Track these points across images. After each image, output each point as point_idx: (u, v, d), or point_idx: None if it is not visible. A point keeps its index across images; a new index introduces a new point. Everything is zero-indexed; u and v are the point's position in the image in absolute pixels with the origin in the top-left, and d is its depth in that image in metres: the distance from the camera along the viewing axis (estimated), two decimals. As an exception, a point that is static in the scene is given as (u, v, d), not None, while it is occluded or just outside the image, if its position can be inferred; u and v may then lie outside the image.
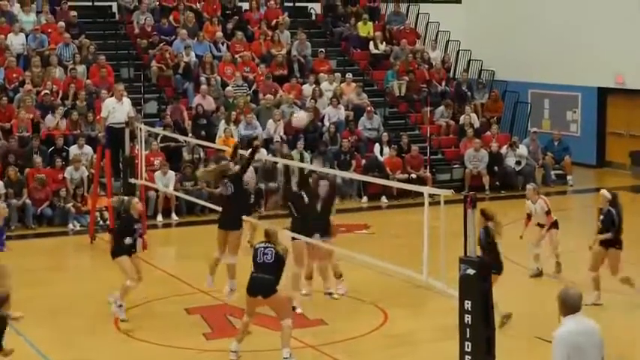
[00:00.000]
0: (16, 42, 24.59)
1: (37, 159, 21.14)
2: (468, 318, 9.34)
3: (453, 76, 29.02)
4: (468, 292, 9.37)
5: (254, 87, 25.68)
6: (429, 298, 14.00)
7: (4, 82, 23.42)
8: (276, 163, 22.25)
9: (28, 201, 20.48)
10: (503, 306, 12.39)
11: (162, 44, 25.66)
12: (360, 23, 28.86)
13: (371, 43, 28.41)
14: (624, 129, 27.81)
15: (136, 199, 13.91)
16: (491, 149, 24.85)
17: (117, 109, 19.22)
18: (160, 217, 21.29)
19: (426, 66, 28.12)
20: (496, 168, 24.66)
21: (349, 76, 26.63)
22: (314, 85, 25.71)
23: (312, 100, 24.95)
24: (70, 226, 20.56)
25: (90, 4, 27.78)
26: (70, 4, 26.53)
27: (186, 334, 13.04)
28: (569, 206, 20.75)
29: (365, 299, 14.35)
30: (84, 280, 16.23)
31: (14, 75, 23.65)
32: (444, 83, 27.87)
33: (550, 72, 28.84)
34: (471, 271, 9.33)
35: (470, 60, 29.41)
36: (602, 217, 14.34)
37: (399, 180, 22.17)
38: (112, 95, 20.57)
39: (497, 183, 24.68)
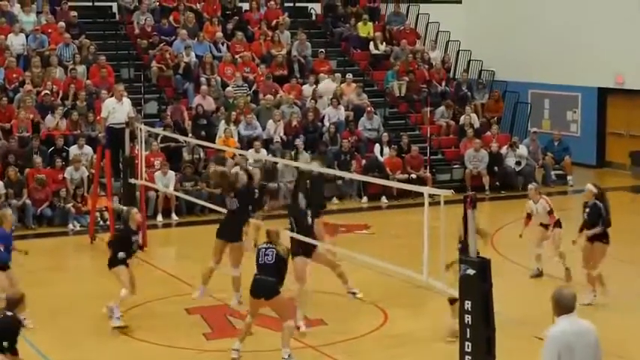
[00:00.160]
0: (17, 42, 24.59)
1: (37, 159, 21.14)
2: (468, 318, 9.34)
3: (453, 76, 29.02)
4: (468, 292, 9.37)
5: (254, 87, 25.68)
6: (429, 299, 13.98)
7: (4, 83, 23.42)
8: (276, 163, 22.26)
9: (28, 201, 20.48)
10: (504, 306, 12.38)
11: (162, 44, 25.66)
12: (360, 23, 28.86)
13: (371, 43, 28.41)
14: (624, 129, 27.81)
15: (135, 210, 13.72)
16: (491, 149, 24.85)
17: (117, 109, 19.24)
18: (159, 217, 21.29)
19: (426, 66, 28.13)
20: (496, 168, 24.66)
21: (349, 76, 26.63)
22: (314, 86, 25.74)
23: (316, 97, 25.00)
24: (70, 226, 20.56)
25: (90, 4, 27.78)
26: (70, 4, 26.53)
27: (186, 334, 13.05)
28: (570, 206, 20.69)
29: (365, 299, 14.34)
30: (84, 281, 16.22)
31: (14, 75, 23.65)
32: (444, 83, 27.87)
33: (550, 72, 28.84)
34: (471, 272, 9.32)
35: (470, 60, 29.42)
36: (587, 210, 14.31)
37: (399, 180, 22.17)
38: (112, 95, 20.57)
39: (498, 183, 24.68)
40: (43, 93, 23.04)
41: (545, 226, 15.77)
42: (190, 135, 22.72)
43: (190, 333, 13.07)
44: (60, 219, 20.74)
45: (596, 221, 14.20)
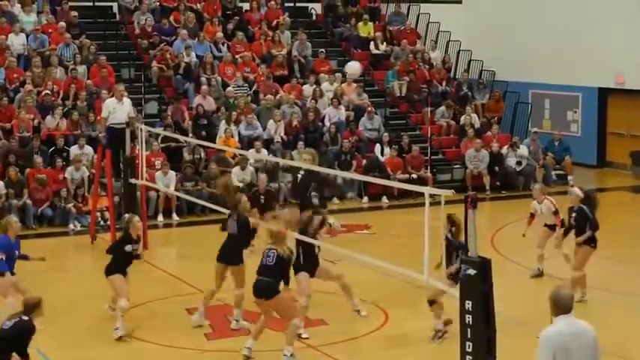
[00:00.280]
0: (17, 42, 24.61)
1: (38, 159, 21.14)
2: (468, 318, 9.33)
3: (453, 76, 29.03)
4: (469, 292, 9.36)
5: (254, 87, 25.69)
6: (429, 299, 13.97)
7: (4, 83, 23.43)
8: (277, 163, 22.26)
9: (28, 201, 20.48)
10: (504, 306, 12.38)
11: (162, 44, 25.66)
12: (360, 23, 28.86)
13: (371, 43, 28.41)
14: (625, 129, 27.81)
15: (136, 218, 13.59)
16: (491, 149, 24.85)
17: (117, 109, 19.25)
18: (160, 217, 21.30)
19: (427, 66, 28.13)
20: (497, 168, 24.67)
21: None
22: (314, 86, 25.74)
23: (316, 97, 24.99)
24: (71, 226, 20.56)
25: (90, 4, 27.80)
26: (70, 4, 26.55)
27: (187, 334, 13.05)
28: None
29: (365, 299, 14.33)
30: (85, 281, 16.21)
31: (15, 75, 23.66)
32: (444, 83, 27.87)
33: (550, 72, 28.84)
34: (471, 272, 9.32)
35: (470, 60, 29.42)
36: (574, 214, 14.21)
37: (400, 180, 22.18)
38: (112, 95, 20.59)
39: (498, 183, 24.68)
40: (43, 93, 23.04)
41: (551, 227, 15.70)
42: (191, 135, 22.73)
43: (191, 333, 13.07)
44: (60, 219, 20.74)
45: (583, 226, 14.06)
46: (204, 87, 24.54)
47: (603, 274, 14.52)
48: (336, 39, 29.22)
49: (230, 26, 27.38)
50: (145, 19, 26.46)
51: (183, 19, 26.78)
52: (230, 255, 13.11)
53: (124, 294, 12.89)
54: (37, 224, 20.51)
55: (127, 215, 14.32)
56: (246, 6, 28.87)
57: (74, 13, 26.10)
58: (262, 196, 20.02)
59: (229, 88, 25.04)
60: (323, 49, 27.63)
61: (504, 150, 25.20)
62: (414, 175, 23.69)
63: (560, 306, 7.42)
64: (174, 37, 26.10)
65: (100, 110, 20.54)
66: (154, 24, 26.47)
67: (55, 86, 23.47)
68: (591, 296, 14.45)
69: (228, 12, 28.17)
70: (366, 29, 28.77)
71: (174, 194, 20.90)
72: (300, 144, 23.21)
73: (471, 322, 9.31)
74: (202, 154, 23.01)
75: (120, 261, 13.08)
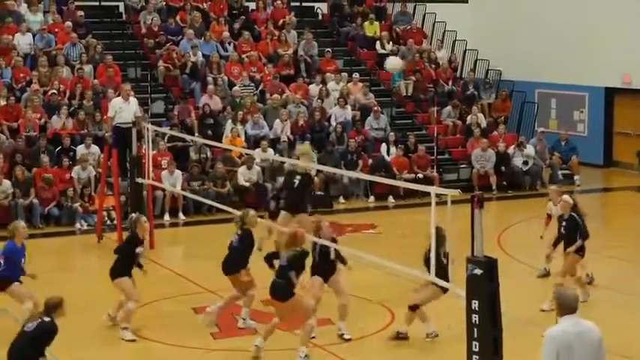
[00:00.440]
0: (23, 42, 24.64)
1: (45, 158, 21.17)
2: (475, 318, 9.34)
3: (459, 75, 29.01)
4: (476, 292, 9.36)
5: (261, 87, 25.70)
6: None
7: (11, 82, 23.47)
8: (282, 162, 22.27)
9: (35, 200, 20.50)
10: (510, 306, 12.38)
11: (169, 44, 25.70)
12: (366, 23, 28.85)
13: (377, 42, 28.40)
14: (631, 129, 27.76)
15: (144, 218, 13.59)
16: (498, 149, 24.83)
17: (124, 108, 19.27)
18: (167, 217, 21.30)
19: (433, 66, 28.11)
20: (503, 168, 24.63)
21: (356, 75, 26.64)
22: (320, 85, 25.75)
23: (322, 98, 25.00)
24: (78, 225, 20.58)
25: (97, 4, 27.84)
26: (77, 3, 26.57)
27: (193, 333, 13.06)
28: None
29: (371, 299, 14.34)
30: (91, 280, 16.21)
31: (21, 75, 23.70)
32: (450, 83, 27.87)
33: (557, 72, 28.80)
34: (478, 271, 9.32)
35: (477, 60, 29.40)
36: (564, 223, 14.05)
37: (406, 180, 22.15)
38: (118, 95, 20.61)
39: (505, 183, 24.65)
40: (50, 92, 23.08)
41: None
42: (197, 134, 22.74)
43: (198, 332, 13.07)
44: (67, 218, 20.77)
45: (574, 235, 13.93)
46: (211, 86, 24.55)
47: (609, 273, 14.51)
48: (342, 38, 29.22)
49: (236, 26, 27.40)
50: (152, 19, 26.49)
51: (189, 19, 26.80)
52: (229, 266, 13.14)
53: (133, 296, 12.86)
54: (43, 224, 20.53)
55: (133, 215, 14.32)
56: (252, 5, 28.88)
57: (80, 13, 26.13)
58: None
59: (236, 88, 25.05)
60: (329, 49, 27.63)
61: (511, 150, 25.17)
62: (420, 175, 23.67)
63: (565, 306, 7.45)
64: (180, 37, 26.13)
65: (107, 110, 20.56)
66: (161, 23, 26.51)
67: (61, 86, 23.50)
68: (596, 296, 14.44)
69: (234, 11, 28.19)
70: (372, 29, 28.76)
71: (180, 193, 20.91)
72: (306, 143, 23.23)
73: (477, 322, 9.32)
74: (209, 154, 23.02)
75: (125, 262, 13.05)
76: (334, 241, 12.99)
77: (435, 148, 24.48)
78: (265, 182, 22.32)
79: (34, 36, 24.95)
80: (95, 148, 21.93)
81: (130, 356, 12.51)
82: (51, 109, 22.76)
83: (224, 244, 13.37)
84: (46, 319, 9.95)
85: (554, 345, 7.31)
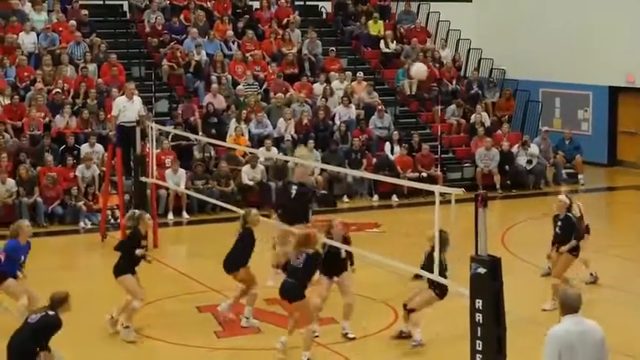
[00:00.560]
0: (28, 41, 24.67)
1: (49, 157, 21.19)
2: (479, 317, 9.33)
3: (463, 74, 28.99)
4: (479, 290, 9.36)
5: (265, 85, 25.71)
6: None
7: (15, 81, 23.50)
8: (286, 161, 22.28)
9: (39, 199, 20.53)
10: (514, 305, 12.37)
11: (173, 43, 25.69)
12: (370, 22, 28.85)
13: (381, 41, 28.41)
14: (635, 128, 27.74)
15: (147, 215, 13.58)
16: (502, 148, 24.81)
17: (128, 107, 19.30)
18: (170, 216, 21.31)
19: (437, 65, 28.09)
20: (507, 167, 24.63)
21: (360, 74, 26.65)
22: (324, 84, 25.74)
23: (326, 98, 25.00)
24: (82, 224, 20.60)
25: (101, 2, 27.87)
26: (81, 2, 26.60)
27: (197, 332, 13.07)
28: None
29: (375, 298, 14.34)
30: (95, 279, 16.23)
31: (25, 74, 23.73)
32: (454, 82, 27.85)
33: (561, 71, 28.78)
34: (482, 270, 9.32)
35: (480, 59, 29.37)
36: (559, 223, 13.95)
37: (410, 179, 22.18)
38: (122, 94, 20.63)
39: (509, 182, 24.65)
40: (54, 91, 23.10)
41: None
42: (201, 133, 22.76)
43: (201, 331, 13.09)
44: (71, 217, 20.79)
45: (569, 235, 13.80)
46: (215, 85, 24.56)
47: (613, 272, 14.49)
48: (346, 37, 29.21)
49: (240, 24, 27.41)
50: (156, 18, 26.51)
51: (193, 18, 26.81)
52: (229, 264, 13.16)
53: (138, 294, 12.81)
54: (47, 222, 20.55)
55: (135, 211, 14.30)
56: (256, 4, 28.88)
57: (85, 12, 26.16)
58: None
59: (239, 87, 25.06)
60: (333, 48, 27.64)
61: (515, 149, 25.16)
62: (424, 174, 23.68)
63: (568, 306, 7.46)
64: (184, 36, 26.14)
65: (111, 108, 20.59)
66: (165, 22, 26.52)
67: (65, 84, 23.52)
68: (600, 295, 14.43)
69: (238, 10, 28.20)
70: (376, 28, 28.76)
71: (184, 192, 20.92)
72: (310, 142, 23.24)
73: (481, 321, 9.32)
74: (212, 153, 23.03)
75: (128, 259, 12.98)
76: (347, 239, 12.95)
77: (439, 147, 24.48)
78: (269, 181, 22.35)
79: (38, 35, 24.97)
80: (99, 147, 21.95)
81: (133, 355, 12.51)
82: (55, 108, 22.78)
83: (228, 243, 13.38)
84: (51, 312, 9.98)
85: (557, 344, 7.32)
